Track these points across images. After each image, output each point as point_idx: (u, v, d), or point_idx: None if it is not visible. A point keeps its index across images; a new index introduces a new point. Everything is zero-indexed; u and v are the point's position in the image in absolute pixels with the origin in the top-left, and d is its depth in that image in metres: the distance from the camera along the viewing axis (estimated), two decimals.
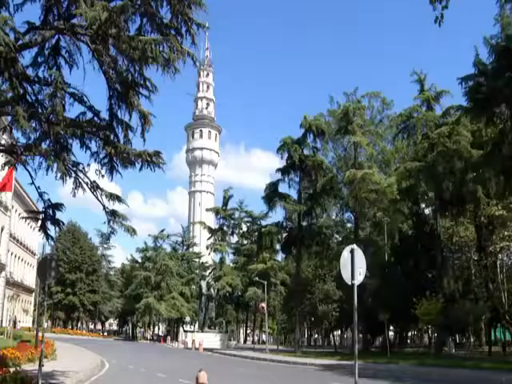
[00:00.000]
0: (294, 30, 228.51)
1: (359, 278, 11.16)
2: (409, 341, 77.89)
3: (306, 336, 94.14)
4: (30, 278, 72.78)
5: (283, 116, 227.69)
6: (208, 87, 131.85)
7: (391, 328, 58.17)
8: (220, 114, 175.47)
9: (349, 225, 53.27)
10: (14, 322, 47.97)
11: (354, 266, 11.09)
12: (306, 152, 46.44)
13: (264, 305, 49.85)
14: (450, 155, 37.68)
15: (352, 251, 11.22)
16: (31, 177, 13.17)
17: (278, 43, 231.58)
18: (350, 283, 11.20)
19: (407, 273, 44.60)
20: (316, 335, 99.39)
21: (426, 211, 50.10)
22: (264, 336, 74.93)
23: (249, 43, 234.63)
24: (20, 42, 10.83)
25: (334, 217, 53.90)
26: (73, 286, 79.52)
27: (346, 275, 11.24)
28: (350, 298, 12.56)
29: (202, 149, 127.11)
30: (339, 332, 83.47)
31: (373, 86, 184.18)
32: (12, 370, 14.34)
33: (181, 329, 77.43)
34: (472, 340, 57.85)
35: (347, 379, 18.93)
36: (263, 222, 60.13)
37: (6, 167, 16.96)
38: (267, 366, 29.00)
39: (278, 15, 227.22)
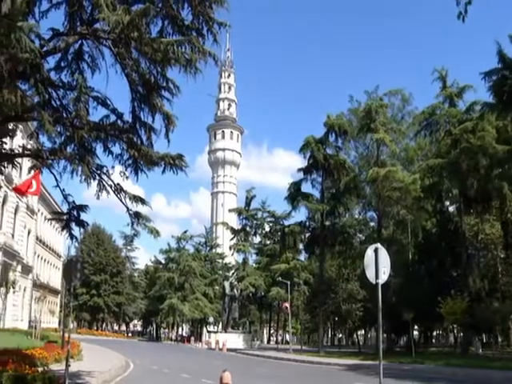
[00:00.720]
0: (315, 29, 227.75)
1: (383, 278, 11.04)
2: (434, 340, 77.06)
3: (330, 336, 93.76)
4: (55, 279, 73.85)
5: (305, 115, 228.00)
6: (230, 88, 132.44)
7: (416, 327, 57.60)
8: (242, 115, 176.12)
9: (372, 224, 52.87)
10: (33, 323, 48.51)
11: (378, 265, 10.99)
12: (328, 151, 46.48)
13: (287, 305, 49.76)
14: (474, 151, 37.16)
15: (376, 250, 11.11)
16: (56, 180, 13.28)
17: (300, 42, 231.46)
18: (374, 282, 11.10)
19: (431, 271, 44.17)
20: (340, 335, 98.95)
21: (450, 209, 49.54)
22: (287, 336, 74.76)
23: (270, 43, 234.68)
24: (45, 48, 11.01)
25: (356, 216, 53.50)
26: (97, 287, 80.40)
27: (370, 274, 11.14)
28: (374, 298, 12.46)
29: (224, 150, 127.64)
30: (363, 332, 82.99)
31: (393, 82, 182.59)
32: (40, 369, 14.56)
33: (204, 329, 77.65)
34: (500, 340, 56.92)
35: (371, 379, 18.79)
36: (286, 222, 60.05)
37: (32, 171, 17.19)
38: (290, 366, 29.00)
39: (300, 13, 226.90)
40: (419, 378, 20.70)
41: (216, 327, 76.18)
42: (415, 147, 48.97)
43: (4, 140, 12.98)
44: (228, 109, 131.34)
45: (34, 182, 40.33)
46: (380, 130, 41.70)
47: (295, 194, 47.41)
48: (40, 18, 10.91)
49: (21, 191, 44.21)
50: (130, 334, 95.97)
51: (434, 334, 79.47)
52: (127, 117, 12.57)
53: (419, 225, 47.32)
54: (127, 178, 13.26)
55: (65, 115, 12.33)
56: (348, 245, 48.35)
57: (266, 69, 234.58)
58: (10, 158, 13.07)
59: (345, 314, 53.80)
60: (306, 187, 48.34)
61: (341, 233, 47.21)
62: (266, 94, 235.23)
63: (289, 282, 49.75)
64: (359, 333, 78.56)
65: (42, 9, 11.03)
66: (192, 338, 71.94)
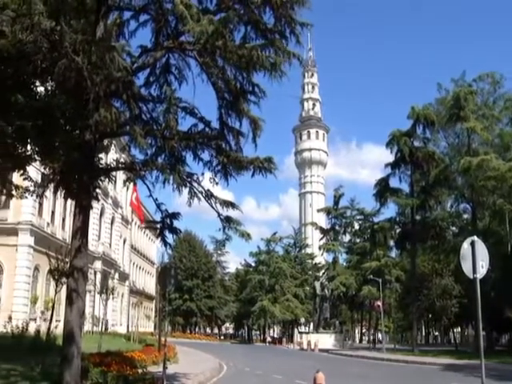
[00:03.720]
0: (399, 19, 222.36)
1: (481, 272, 10.44)
2: None
3: (424, 334, 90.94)
4: (150, 286, 76.85)
5: (394, 108, 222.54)
6: (313, 88, 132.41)
7: None
8: (327, 113, 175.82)
9: (465, 216, 50.56)
10: (106, 325, 50.44)
11: (475, 258, 10.45)
12: (415, 143, 45.46)
13: (379, 303, 48.70)
14: None
15: (472, 243, 10.57)
16: (149, 190, 13.72)
17: (382, 34, 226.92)
18: (471, 277, 10.56)
19: None
20: (435, 333, 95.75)
21: None
22: (380, 335, 73.23)
23: (350, 37, 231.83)
24: (135, 65, 11.52)
25: (448, 208, 51.46)
26: (190, 292, 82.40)
27: (466, 269, 10.61)
28: (471, 293, 11.88)
29: (310, 150, 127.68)
30: (459, 329, 79.72)
31: (480, 68, 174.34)
32: (140, 371, 15.24)
33: (295, 330, 77.70)
34: None
35: (471, 380, 17.96)
36: (376, 219, 58.75)
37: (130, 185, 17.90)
38: (384, 366, 28.45)
39: (380, 5, 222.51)
40: None
41: (307, 328, 76.00)
42: (511, 132, 46.30)
43: (100, 156, 13.63)
44: (312, 108, 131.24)
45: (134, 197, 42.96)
46: (470, 117, 39.81)
47: (383, 190, 46.67)
48: (129, 38, 11.51)
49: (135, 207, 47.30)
50: (222, 337, 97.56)
51: None
52: (215, 124, 12.84)
53: None
54: (217, 183, 13.45)
55: (155, 127, 12.75)
56: (440, 239, 46.89)
57: (348, 64, 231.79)
58: (106, 172, 13.67)
59: (439, 311, 51.84)
60: (394, 182, 47.66)
61: (432, 227, 45.84)
62: (350, 89, 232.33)
63: (380, 280, 48.71)
64: (455, 330, 75.37)
65: (131, 29, 11.68)
66: (284, 340, 72.15)
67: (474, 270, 10.45)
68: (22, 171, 14.07)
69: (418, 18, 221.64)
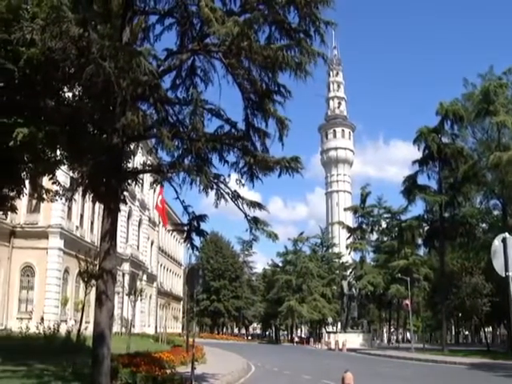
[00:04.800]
0: (426, 16, 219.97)
1: None
2: None
3: (454, 333, 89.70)
4: (177, 287, 77.39)
5: (420, 104, 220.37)
6: (338, 86, 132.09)
7: None
8: (353, 111, 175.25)
9: (495, 212, 49.68)
10: (129, 326, 50.61)
11: (507, 256, 10.15)
12: (443, 140, 44.91)
13: (407, 302, 48.22)
14: None
15: (504, 240, 10.29)
16: (176, 192, 13.62)
17: (409, 32, 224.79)
18: (503, 275, 10.31)
19: None
20: (465, 332, 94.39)
21: None
22: (408, 334, 72.47)
23: (374, 33, 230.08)
24: (161, 68, 11.61)
25: (477, 205, 50.63)
26: (217, 293, 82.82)
27: (498, 267, 10.33)
28: (502, 292, 11.60)
29: (336, 149, 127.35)
30: (490, 329, 78.32)
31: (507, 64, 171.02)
32: (168, 371, 15.22)
33: (323, 330, 77.40)
34: None
35: (505, 380, 17.61)
36: (403, 217, 58.29)
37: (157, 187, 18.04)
38: (413, 366, 28.13)
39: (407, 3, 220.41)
40: None
41: (335, 327, 75.60)
42: None
43: (127, 158, 13.75)
44: (338, 107, 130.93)
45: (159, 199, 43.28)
46: (500, 111, 39.06)
47: (411, 187, 46.32)
48: (155, 41, 11.61)
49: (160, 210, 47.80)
50: (249, 337, 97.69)
51: None
52: (241, 125, 12.80)
53: None
54: (243, 185, 13.39)
55: (181, 129, 12.78)
56: (470, 236, 46.24)
57: (374, 61, 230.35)
58: (133, 175, 13.76)
59: (469, 310, 50.95)
60: (422, 179, 47.27)
61: (461, 224, 45.24)
62: (376, 87, 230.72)
63: (408, 279, 48.19)
64: (486, 330, 74.04)
65: (156, 32, 11.80)
66: (311, 339, 71.93)
67: (506, 268, 10.19)
68: (51, 175, 14.31)
69: (445, 14, 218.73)
